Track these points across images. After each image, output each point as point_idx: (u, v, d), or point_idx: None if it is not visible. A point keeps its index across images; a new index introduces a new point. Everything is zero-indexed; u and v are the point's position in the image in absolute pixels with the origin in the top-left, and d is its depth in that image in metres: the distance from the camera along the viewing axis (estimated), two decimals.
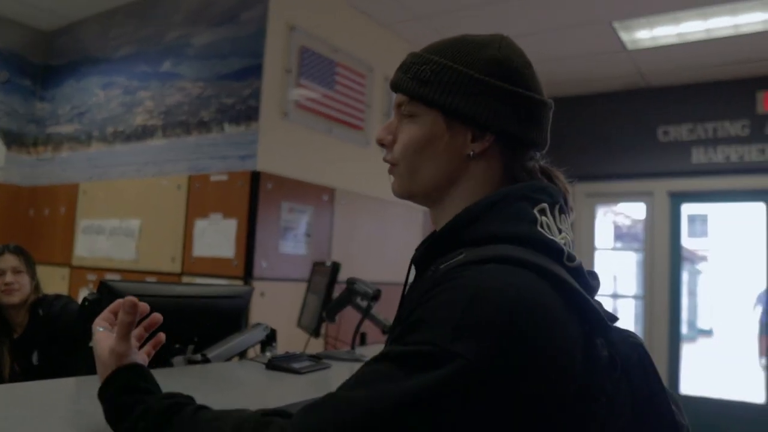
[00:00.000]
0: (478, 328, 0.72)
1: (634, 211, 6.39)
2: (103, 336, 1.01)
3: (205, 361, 1.66)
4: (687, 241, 5.74)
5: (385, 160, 1.02)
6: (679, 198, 5.57)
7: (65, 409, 1.20)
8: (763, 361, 9.23)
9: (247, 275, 3.55)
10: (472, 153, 0.94)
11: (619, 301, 7.00)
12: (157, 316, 1.08)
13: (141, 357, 1.05)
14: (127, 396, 0.92)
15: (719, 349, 12.46)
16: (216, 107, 3.89)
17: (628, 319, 6.94)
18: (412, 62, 0.99)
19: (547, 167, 1.02)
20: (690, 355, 5.68)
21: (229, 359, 1.76)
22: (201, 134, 3.94)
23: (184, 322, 1.71)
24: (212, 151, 3.86)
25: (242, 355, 1.90)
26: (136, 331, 1.05)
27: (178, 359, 1.64)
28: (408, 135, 0.97)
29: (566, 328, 0.78)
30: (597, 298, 0.93)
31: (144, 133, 4.29)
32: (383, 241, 4.47)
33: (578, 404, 0.78)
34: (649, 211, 5.69)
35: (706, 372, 8.90)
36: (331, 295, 2.46)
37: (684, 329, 5.66)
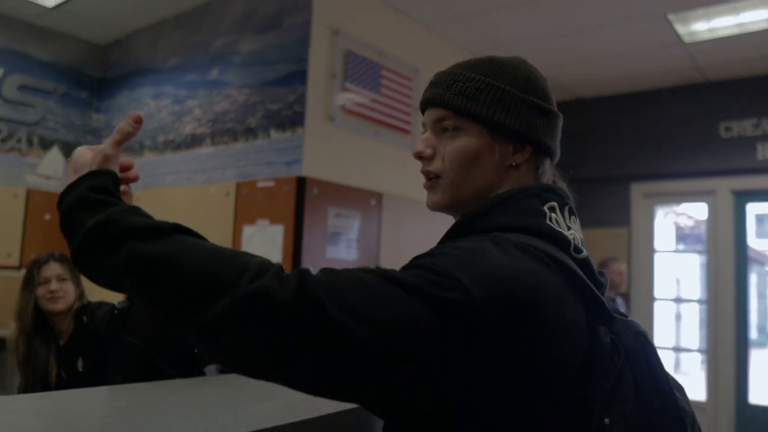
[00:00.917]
0: (489, 281, 0.77)
1: (696, 212, 6.13)
2: (88, 148, 1.02)
3: None
4: (755, 242, 5.46)
5: (427, 172, 1.06)
6: (743, 196, 5.31)
7: (89, 422, 1.18)
8: None
9: None
10: (514, 163, 1.01)
11: (683, 305, 6.73)
12: (135, 173, 1.09)
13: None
14: (108, 196, 0.92)
15: None
16: (262, 113, 3.90)
17: (692, 323, 6.66)
18: (451, 79, 1.03)
19: (555, 177, 1.09)
20: (760, 361, 5.40)
21: None
22: (248, 141, 3.96)
23: None
24: (259, 158, 3.88)
25: None
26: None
27: (210, 368, 1.61)
28: (455, 148, 1.01)
29: (568, 310, 0.83)
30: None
31: (193, 141, 4.34)
32: (433, 245, 4.38)
33: (582, 387, 0.82)
34: (712, 211, 5.44)
35: None
36: None
37: (753, 334, 5.38)
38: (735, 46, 4.63)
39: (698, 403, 5.29)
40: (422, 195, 1.11)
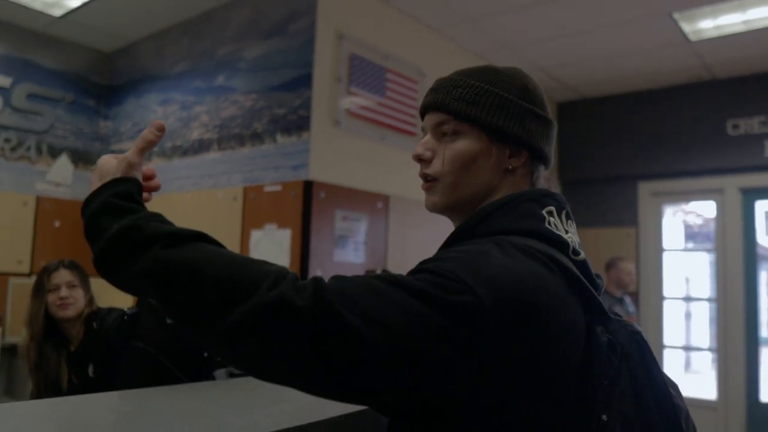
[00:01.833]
0: (495, 284, 0.80)
1: (705, 210, 6.10)
2: (112, 156, 1.05)
3: None
4: (764, 239, 5.43)
5: (425, 174, 1.10)
6: (752, 194, 5.29)
7: (101, 426, 1.19)
8: None
9: None
10: (510, 167, 1.05)
11: (692, 304, 6.70)
12: (157, 182, 1.11)
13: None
14: (132, 203, 0.94)
15: None
16: (268, 118, 3.92)
17: (701, 322, 6.63)
18: (450, 85, 1.07)
19: (545, 188, 1.10)
20: None
21: None
22: (254, 146, 3.98)
23: None
24: (266, 162, 3.90)
25: None
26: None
27: (219, 372, 1.63)
28: (455, 151, 1.04)
29: (569, 311, 0.87)
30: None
31: (200, 146, 4.37)
32: (439, 247, 4.38)
33: (581, 386, 0.85)
34: (720, 208, 5.42)
35: None
36: None
37: (764, 332, 5.35)
38: (742, 44, 4.61)
39: (709, 402, 5.26)
40: None
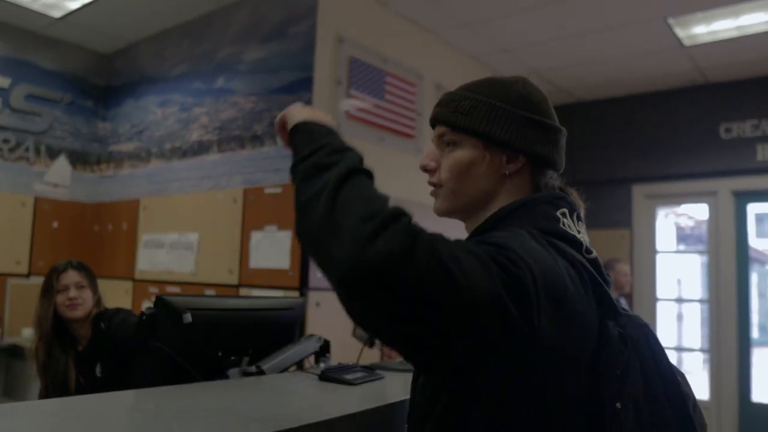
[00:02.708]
0: (541, 266, 0.86)
1: (697, 213, 6.18)
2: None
3: (260, 372, 1.67)
4: (755, 242, 5.50)
5: (431, 183, 1.17)
6: (744, 197, 5.36)
7: (122, 423, 1.22)
8: None
9: (303, 286, 3.59)
10: (507, 172, 1.10)
11: (684, 305, 6.77)
12: None
13: None
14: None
15: None
16: (269, 121, 3.95)
17: (694, 323, 6.70)
18: (450, 99, 1.15)
19: (564, 186, 1.17)
20: (762, 360, 5.43)
21: (283, 370, 1.77)
22: (255, 148, 4.01)
23: (239, 335, 1.74)
24: (266, 164, 3.93)
25: (297, 366, 1.91)
26: None
27: (233, 371, 1.66)
28: (453, 159, 1.11)
29: (584, 302, 0.93)
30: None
31: (200, 148, 4.39)
32: None
33: (596, 375, 0.93)
34: (713, 211, 5.49)
35: None
36: None
37: (755, 333, 5.42)
38: (735, 49, 4.68)
39: (701, 402, 5.30)
40: (427, 199, 1.21)
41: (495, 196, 1.10)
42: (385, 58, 4.22)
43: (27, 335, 4.13)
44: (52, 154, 5.03)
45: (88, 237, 5.13)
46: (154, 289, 4.46)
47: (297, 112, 1.07)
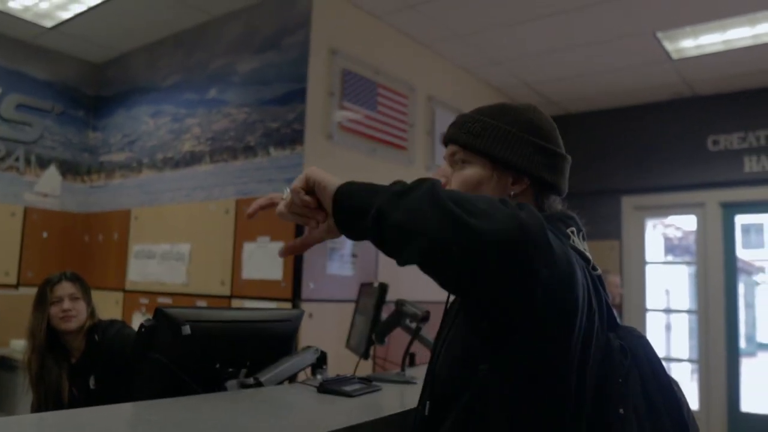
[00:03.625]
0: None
1: (684, 224, 6.24)
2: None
3: (258, 384, 1.68)
4: (742, 252, 5.57)
5: None
6: (732, 208, 5.43)
7: None
8: None
9: (295, 297, 3.59)
10: (512, 193, 1.16)
11: (673, 315, 6.82)
12: None
13: None
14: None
15: None
16: (261, 132, 3.96)
17: (682, 334, 6.74)
18: (463, 121, 1.21)
19: (567, 210, 1.22)
20: (750, 370, 5.48)
21: (280, 382, 1.77)
22: (247, 159, 4.01)
23: (237, 347, 1.74)
24: (259, 175, 3.93)
25: (293, 377, 1.92)
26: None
27: (231, 383, 1.66)
28: (462, 177, 1.18)
29: (594, 312, 0.99)
30: None
31: (192, 159, 4.39)
32: None
33: (600, 384, 0.98)
34: (701, 222, 5.55)
35: None
36: (379, 316, 2.46)
37: (742, 344, 5.47)
38: (722, 62, 4.75)
39: None
40: None
41: None
42: (377, 70, 4.25)
43: (15, 346, 4.09)
44: (43, 164, 5.00)
45: (78, 247, 5.10)
46: (144, 300, 4.44)
47: (326, 176, 1.07)
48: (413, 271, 0.96)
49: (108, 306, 4.58)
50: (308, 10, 3.84)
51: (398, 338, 2.45)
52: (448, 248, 0.82)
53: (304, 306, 3.55)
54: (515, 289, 0.84)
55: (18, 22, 4.58)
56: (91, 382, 2.36)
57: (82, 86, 5.33)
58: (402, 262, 0.91)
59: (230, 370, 1.69)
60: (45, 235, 4.92)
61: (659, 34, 4.32)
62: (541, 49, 4.67)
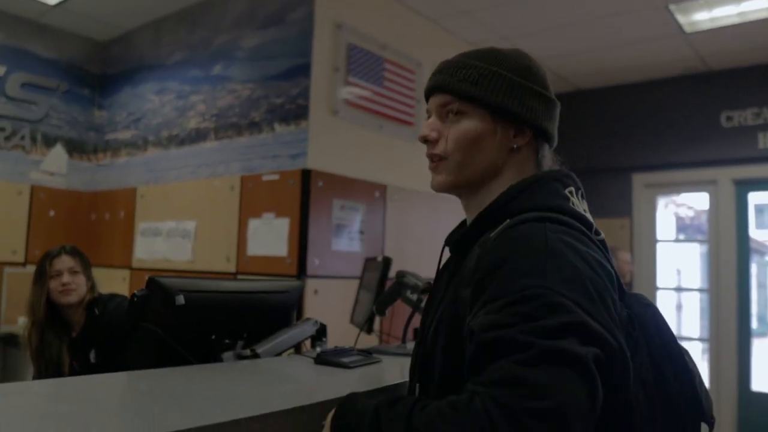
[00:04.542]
0: (568, 278, 0.84)
1: (696, 202, 6.15)
2: None
3: (255, 356, 1.65)
4: (755, 233, 5.47)
5: (433, 154, 1.11)
6: (745, 186, 5.33)
7: (113, 404, 1.20)
8: None
9: (301, 273, 3.56)
10: (515, 146, 1.07)
11: (684, 294, 6.74)
12: None
13: None
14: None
15: None
16: (266, 107, 3.91)
17: (693, 313, 6.67)
18: (455, 66, 1.09)
19: (562, 168, 1.14)
20: (762, 350, 5.42)
21: (278, 354, 1.75)
22: (252, 135, 3.97)
23: (234, 318, 1.71)
24: (263, 151, 3.89)
25: (295, 351, 1.89)
26: None
27: (227, 355, 1.63)
28: (459, 130, 1.07)
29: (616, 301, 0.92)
30: None
31: (197, 136, 4.36)
32: (436, 237, 4.39)
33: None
34: (713, 200, 5.46)
35: None
36: (382, 290, 2.44)
37: (754, 324, 5.40)
38: (736, 36, 4.64)
39: None
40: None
41: (500, 170, 1.08)
42: (383, 44, 4.18)
43: (23, 323, 4.11)
44: (49, 142, 4.99)
45: (85, 225, 5.10)
46: None
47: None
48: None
49: (116, 283, 4.58)
50: None
51: (402, 312, 2.42)
52: None
53: (310, 282, 3.53)
54: None
55: (21, 0, 4.55)
56: (92, 356, 2.35)
57: (87, 64, 5.30)
58: None
59: (226, 341, 1.66)
60: (52, 213, 4.92)
61: (672, 7, 4.21)
62: (550, 24, 4.58)
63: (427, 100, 1.15)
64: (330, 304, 3.59)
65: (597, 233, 1.01)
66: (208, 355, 1.61)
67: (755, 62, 5.13)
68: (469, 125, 1.06)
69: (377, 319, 2.55)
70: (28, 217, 4.78)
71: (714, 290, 5.38)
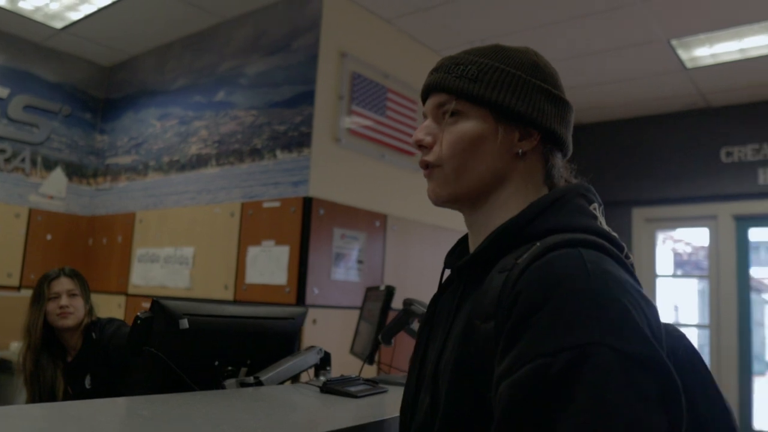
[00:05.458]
0: (611, 320, 0.72)
1: (694, 238, 6.14)
2: None
3: (258, 383, 1.61)
4: (753, 270, 5.45)
5: (425, 161, 0.98)
6: (745, 221, 5.33)
7: (114, 429, 1.16)
8: None
9: (300, 302, 3.52)
10: (520, 151, 0.94)
11: (682, 330, 6.70)
12: None
13: None
14: None
15: None
16: (268, 134, 3.91)
17: None
18: (453, 63, 0.97)
19: (582, 181, 1.01)
20: (762, 389, 5.36)
21: (282, 383, 1.70)
22: (254, 162, 3.96)
23: (237, 344, 1.67)
24: (265, 178, 3.88)
25: (295, 378, 1.85)
26: None
27: (230, 382, 1.59)
28: (456, 133, 0.94)
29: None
30: None
31: (198, 161, 4.34)
32: (436, 268, 4.35)
33: None
34: (713, 235, 5.45)
35: None
36: (384, 320, 2.39)
37: (756, 363, 5.36)
38: (737, 72, 4.68)
39: None
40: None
41: (504, 180, 0.94)
42: (386, 74, 4.20)
43: (16, 349, 4.04)
44: (49, 165, 4.97)
45: (82, 250, 5.05)
46: (147, 305, 4.37)
47: None
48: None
49: (111, 309, 4.52)
50: (318, 13, 3.80)
51: (403, 343, 2.38)
52: None
53: (309, 312, 3.48)
54: None
55: (28, 22, 4.57)
56: (87, 382, 2.29)
57: (91, 88, 5.31)
58: None
59: (230, 368, 1.62)
60: (49, 237, 4.88)
61: (673, 42, 4.25)
62: (552, 57, 4.58)
63: (423, 101, 1.04)
64: (329, 333, 3.55)
65: (627, 256, 0.86)
66: (211, 381, 1.57)
67: (755, 99, 5.17)
68: (466, 127, 0.93)
69: (378, 351, 2.50)
70: (24, 240, 4.74)
71: (714, 327, 5.34)
